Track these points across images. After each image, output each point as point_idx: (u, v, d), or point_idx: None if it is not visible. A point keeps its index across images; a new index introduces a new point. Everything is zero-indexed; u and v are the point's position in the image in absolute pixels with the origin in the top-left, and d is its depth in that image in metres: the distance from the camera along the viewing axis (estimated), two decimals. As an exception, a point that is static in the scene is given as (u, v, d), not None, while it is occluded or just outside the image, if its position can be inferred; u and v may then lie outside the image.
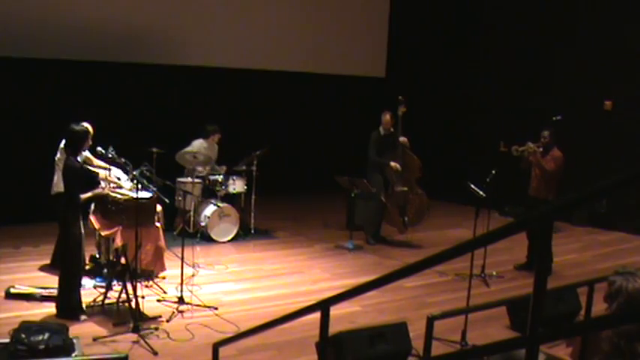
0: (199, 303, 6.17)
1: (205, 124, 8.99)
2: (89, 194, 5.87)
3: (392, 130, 8.81)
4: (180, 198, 8.52)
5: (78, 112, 6.35)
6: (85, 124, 5.98)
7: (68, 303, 5.70)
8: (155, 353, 5.10)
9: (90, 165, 6.52)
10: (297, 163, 11.70)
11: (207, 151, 8.77)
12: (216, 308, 6.14)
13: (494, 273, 7.56)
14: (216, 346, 4.46)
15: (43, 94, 9.04)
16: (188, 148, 8.54)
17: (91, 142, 6.02)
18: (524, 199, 7.89)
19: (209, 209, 8.58)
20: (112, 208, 6.05)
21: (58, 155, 6.53)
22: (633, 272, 3.17)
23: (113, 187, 6.25)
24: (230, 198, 8.97)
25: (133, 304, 5.67)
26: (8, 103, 8.80)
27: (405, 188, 8.91)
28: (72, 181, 5.68)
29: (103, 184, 6.28)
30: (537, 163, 7.55)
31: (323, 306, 3.14)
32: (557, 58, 10.77)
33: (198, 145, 8.83)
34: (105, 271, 6.62)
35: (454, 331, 5.51)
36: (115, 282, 6.25)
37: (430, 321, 4.44)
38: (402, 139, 8.79)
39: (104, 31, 9.35)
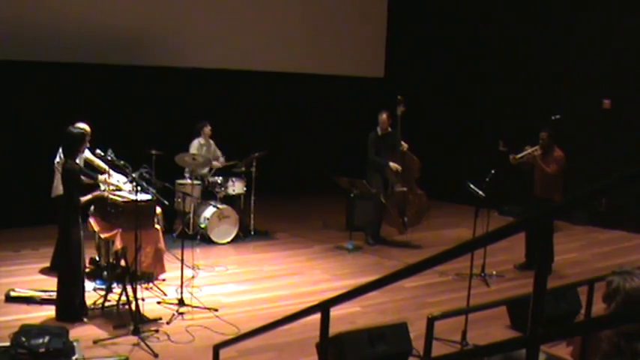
0: (199, 305, 6.17)
1: (194, 124, 9.01)
2: (89, 197, 5.88)
3: (390, 129, 8.80)
4: (179, 200, 8.52)
5: (77, 115, 6.35)
6: (83, 125, 5.98)
7: (70, 306, 5.70)
8: (155, 355, 5.10)
9: (91, 165, 6.52)
10: (296, 164, 11.70)
11: (205, 148, 8.85)
12: (216, 310, 6.14)
13: (495, 272, 7.56)
14: (216, 348, 4.46)
15: (42, 96, 9.02)
16: (191, 150, 8.67)
17: (88, 144, 6.02)
18: (526, 198, 7.88)
19: (208, 211, 8.58)
20: (111, 211, 6.05)
21: (57, 159, 6.52)
22: (630, 271, 3.15)
23: (112, 190, 6.25)
24: (229, 199, 8.96)
25: (133, 307, 5.67)
26: (8, 106, 8.80)
27: (405, 188, 8.91)
28: (71, 184, 5.67)
29: (102, 186, 6.28)
30: (539, 167, 7.53)
31: (323, 307, 3.14)
32: (557, 57, 10.76)
33: (197, 145, 8.87)
34: (105, 273, 6.63)
35: (454, 331, 5.51)
36: (114, 284, 6.25)
37: (430, 321, 4.43)
38: (403, 145, 8.78)
39: (102, 34, 9.34)
